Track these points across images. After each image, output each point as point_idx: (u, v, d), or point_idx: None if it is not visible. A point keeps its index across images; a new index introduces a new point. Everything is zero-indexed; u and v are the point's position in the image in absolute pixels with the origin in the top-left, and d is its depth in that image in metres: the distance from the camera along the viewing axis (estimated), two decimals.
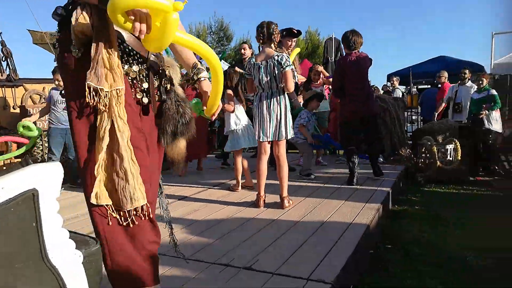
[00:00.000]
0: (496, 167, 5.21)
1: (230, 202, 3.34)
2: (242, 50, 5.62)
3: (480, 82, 6.56)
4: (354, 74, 3.85)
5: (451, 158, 4.93)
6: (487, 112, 6.27)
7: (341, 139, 4.40)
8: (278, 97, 3.05)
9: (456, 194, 4.20)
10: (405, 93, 9.39)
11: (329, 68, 10.56)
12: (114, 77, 1.13)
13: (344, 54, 4.10)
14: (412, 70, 10.84)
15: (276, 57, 3.00)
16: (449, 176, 4.80)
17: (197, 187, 4.01)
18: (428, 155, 5.00)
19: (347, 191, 3.55)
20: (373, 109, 4.07)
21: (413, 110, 7.17)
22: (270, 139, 3.08)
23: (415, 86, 12.69)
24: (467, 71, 7.60)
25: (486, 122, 6.32)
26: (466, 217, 3.18)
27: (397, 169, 4.81)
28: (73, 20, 1.11)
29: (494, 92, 6.51)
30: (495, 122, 6.44)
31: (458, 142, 4.95)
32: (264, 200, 3.15)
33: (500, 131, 6.84)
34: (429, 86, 12.60)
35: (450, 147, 4.94)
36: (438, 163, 4.89)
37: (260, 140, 3.11)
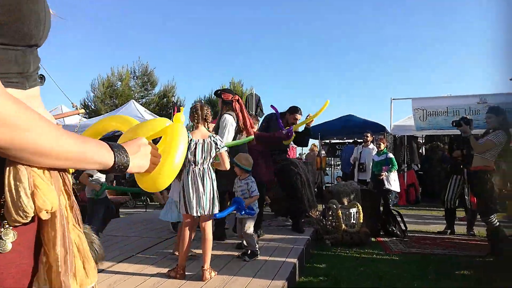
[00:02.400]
0: (394, 228, 5.71)
1: (151, 274, 3.25)
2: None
3: (378, 145, 7.33)
4: None
5: (354, 221, 5.33)
6: (386, 173, 6.99)
7: None
8: (210, 173, 3.26)
9: (356, 259, 4.49)
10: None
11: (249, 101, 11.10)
12: None
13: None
14: (322, 127, 11.75)
15: (212, 137, 3.26)
16: (353, 238, 5.15)
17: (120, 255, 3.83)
18: (334, 218, 5.35)
19: (256, 263, 3.61)
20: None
21: (323, 171, 7.68)
22: (198, 214, 3.20)
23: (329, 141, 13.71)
24: (369, 134, 8.44)
25: (386, 182, 7.02)
26: None
27: (306, 233, 5.04)
28: None
29: (391, 155, 7.29)
30: (393, 182, 7.20)
31: (360, 206, 5.39)
32: (184, 271, 3.17)
33: (398, 190, 7.64)
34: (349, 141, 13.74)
35: (353, 210, 5.35)
36: (343, 226, 5.24)
37: (189, 213, 3.18)
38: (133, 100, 14.46)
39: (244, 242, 3.94)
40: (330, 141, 13.87)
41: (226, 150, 3.37)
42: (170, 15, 41.28)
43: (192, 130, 3.46)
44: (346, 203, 5.61)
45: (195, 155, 3.21)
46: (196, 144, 3.22)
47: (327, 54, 43.15)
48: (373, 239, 5.55)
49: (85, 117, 16.04)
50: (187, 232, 3.25)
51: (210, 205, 3.23)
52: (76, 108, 8.62)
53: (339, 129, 11.97)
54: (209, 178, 3.25)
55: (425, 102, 10.23)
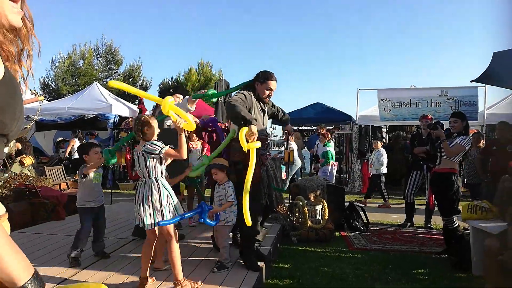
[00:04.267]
0: (357, 223, 5.92)
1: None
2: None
3: (322, 138, 7.71)
4: None
5: (320, 218, 5.47)
6: (319, 165, 7.45)
7: None
8: (157, 185, 3.06)
9: (321, 258, 4.63)
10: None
11: (219, 108, 10.90)
12: None
13: None
14: (292, 115, 11.84)
15: (143, 147, 3.06)
16: (319, 235, 5.29)
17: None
18: (301, 214, 5.47)
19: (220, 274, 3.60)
20: None
21: (289, 165, 7.79)
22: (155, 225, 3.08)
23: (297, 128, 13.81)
24: (322, 127, 8.62)
25: (321, 173, 7.51)
26: None
27: (273, 230, 5.12)
28: None
29: (328, 148, 7.69)
30: (329, 174, 7.63)
31: (325, 203, 5.53)
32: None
33: (333, 182, 7.96)
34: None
35: (318, 207, 5.48)
36: (309, 222, 5.37)
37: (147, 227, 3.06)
38: (97, 83, 13.91)
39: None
40: (298, 128, 14.01)
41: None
42: None
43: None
44: (312, 199, 5.73)
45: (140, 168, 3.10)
46: (138, 157, 3.11)
47: (301, 41, 43.17)
48: (337, 233, 5.73)
49: (47, 100, 15.26)
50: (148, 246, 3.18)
51: (152, 214, 3.03)
52: (35, 95, 8.20)
53: (307, 117, 12.11)
54: (156, 190, 3.04)
55: (390, 93, 10.50)
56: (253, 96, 3.66)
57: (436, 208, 5.33)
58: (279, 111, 4.24)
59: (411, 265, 4.33)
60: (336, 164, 8.25)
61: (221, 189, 3.66)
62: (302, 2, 41.74)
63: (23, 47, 0.99)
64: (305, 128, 14.49)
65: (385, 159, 8.69)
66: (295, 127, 14.11)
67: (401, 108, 10.36)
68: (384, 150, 9.13)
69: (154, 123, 3.15)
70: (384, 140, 12.16)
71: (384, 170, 8.68)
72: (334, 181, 7.96)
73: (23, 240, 4.42)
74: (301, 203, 5.46)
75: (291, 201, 5.89)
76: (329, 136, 8.02)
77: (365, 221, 6.06)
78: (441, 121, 5.38)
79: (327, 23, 43.48)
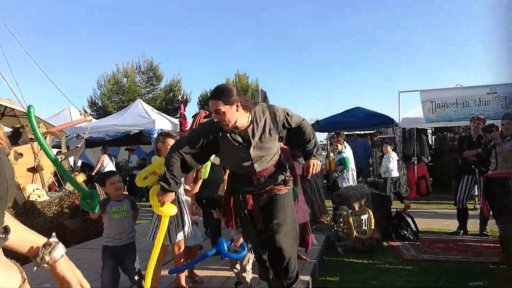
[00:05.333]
0: (405, 232, 5.71)
1: None
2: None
3: (335, 146, 7.64)
4: None
5: (365, 228, 5.33)
6: (338, 173, 7.32)
7: None
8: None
9: (369, 268, 4.50)
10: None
11: None
12: None
13: None
14: (328, 121, 11.69)
15: None
16: (365, 245, 5.16)
17: None
18: (345, 225, 5.36)
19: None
20: None
21: (333, 173, 7.66)
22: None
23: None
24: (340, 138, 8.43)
25: (339, 181, 7.39)
26: None
27: (318, 241, 5.05)
28: None
29: (344, 155, 7.58)
30: (347, 181, 7.46)
31: (371, 212, 5.38)
32: None
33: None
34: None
35: (364, 217, 5.35)
36: (355, 232, 5.25)
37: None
38: (140, 99, 14.50)
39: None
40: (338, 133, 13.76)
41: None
42: (172, 8, 41.01)
43: None
44: (357, 209, 5.61)
45: None
46: None
47: (334, 47, 42.77)
48: (385, 243, 5.55)
49: (94, 118, 16.10)
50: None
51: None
52: (84, 116, 8.69)
53: (346, 122, 11.89)
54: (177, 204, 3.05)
55: (434, 94, 10.10)
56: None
57: (491, 213, 5.04)
58: (301, 134, 2.78)
59: (467, 277, 4.10)
60: (354, 169, 8.23)
61: None
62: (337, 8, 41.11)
63: None
64: (346, 132, 14.20)
65: (392, 164, 8.57)
66: (333, 133, 13.90)
67: (446, 109, 9.92)
68: (394, 154, 8.93)
69: (169, 141, 3.20)
70: (429, 142, 11.68)
71: (394, 174, 8.58)
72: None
73: (78, 256, 4.65)
74: (345, 213, 5.35)
75: (334, 211, 5.79)
76: (342, 142, 8.01)
77: (414, 229, 5.83)
78: (493, 121, 5.10)
79: (366, 24, 42.66)
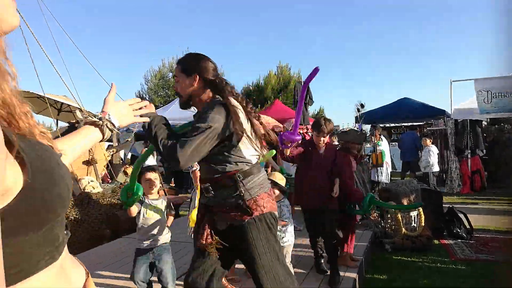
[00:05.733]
0: (458, 230, 5.43)
1: None
2: None
3: (371, 139, 7.45)
4: (318, 163, 3.68)
5: (415, 225, 5.13)
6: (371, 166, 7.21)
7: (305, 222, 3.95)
8: None
9: (420, 267, 4.34)
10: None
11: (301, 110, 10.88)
12: None
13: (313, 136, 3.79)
14: (375, 113, 11.31)
15: None
16: (415, 243, 4.97)
17: None
18: (393, 221, 5.19)
19: (316, 277, 3.62)
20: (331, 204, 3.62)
21: (379, 168, 7.42)
22: None
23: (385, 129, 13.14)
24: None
25: (373, 174, 7.24)
26: None
27: (364, 238, 4.94)
28: None
29: (380, 148, 7.50)
30: (380, 175, 7.19)
31: (421, 208, 5.17)
32: None
33: (387, 181, 7.51)
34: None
35: (413, 213, 5.15)
36: (404, 229, 5.08)
37: None
38: None
39: None
40: (385, 125, 13.34)
41: None
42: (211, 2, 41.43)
43: None
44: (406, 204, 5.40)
45: None
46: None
47: (378, 36, 41.30)
48: (436, 241, 5.32)
49: None
50: None
51: None
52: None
53: (394, 114, 11.48)
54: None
55: (489, 82, 9.45)
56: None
57: None
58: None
59: None
60: (389, 163, 8.12)
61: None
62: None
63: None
64: (393, 125, 13.71)
65: (433, 158, 8.19)
66: (381, 125, 13.45)
67: (503, 99, 9.27)
68: (434, 147, 8.52)
69: None
70: (484, 135, 10.99)
71: (435, 168, 8.21)
72: (389, 180, 7.87)
73: (128, 246, 4.86)
74: (393, 209, 5.18)
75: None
76: (378, 135, 7.77)
77: (468, 227, 5.54)
78: None
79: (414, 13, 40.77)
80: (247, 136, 1.95)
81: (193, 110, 2.12)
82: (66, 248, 0.78)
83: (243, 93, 24.36)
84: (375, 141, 7.64)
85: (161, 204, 2.98)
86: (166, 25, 41.71)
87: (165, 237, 2.96)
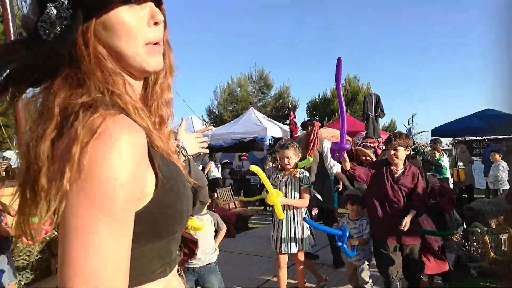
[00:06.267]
0: None
1: None
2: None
3: (433, 154, 7.06)
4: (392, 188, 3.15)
5: (505, 249, 4.65)
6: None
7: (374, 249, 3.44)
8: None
9: None
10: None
11: (370, 123, 10.52)
12: None
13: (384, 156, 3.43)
14: (454, 126, 10.51)
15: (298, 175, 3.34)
16: (505, 268, 4.50)
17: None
18: (480, 244, 4.75)
19: None
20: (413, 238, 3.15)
21: (461, 185, 6.86)
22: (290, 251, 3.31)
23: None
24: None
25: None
26: None
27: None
28: None
29: (441, 163, 6.98)
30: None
31: None
32: None
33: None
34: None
35: (503, 236, 4.67)
36: (492, 254, 4.62)
37: (279, 251, 3.34)
38: (253, 108, 15.15)
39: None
40: (465, 139, 12.35)
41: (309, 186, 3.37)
42: (280, 17, 42.11)
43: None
44: (493, 226, 4.94)
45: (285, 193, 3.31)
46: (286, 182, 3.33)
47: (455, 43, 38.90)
48: None
49: (214, 126, 17.53)
50: (280, 272, 3.38)
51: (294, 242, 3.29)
52: (206, 125, 9.49)
53: (476, 126, 10.59)
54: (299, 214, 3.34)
55: None
56: None
57: None
58: None
59: None
60: (451, 180, 7.56)
61: (358, 226, 3.44)
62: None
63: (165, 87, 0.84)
64: (474, 138, 12.64)
65: (503, 174, 7.39)
66: (460, 138, 12.47)
67: None
68: (504, 162, 7.70)
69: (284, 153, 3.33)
70: None
71: (505, 185, 7.35)
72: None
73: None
74: (479, 230, 4.75)
75: (465, 227, 5.18)
76: (440, 150, 7.25)
77: None
78: None
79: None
80: None
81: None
82: (176, 267, 0.83)
83: (310, 106, 24.33)
84: (437, 157, 7.11)
85: (207, 220, 2.88)
86: (236, 42, 43.21)
87: (209, 257, 2.77)
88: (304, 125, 5.06)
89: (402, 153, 3.16)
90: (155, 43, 0.73)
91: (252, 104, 23.13)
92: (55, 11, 0.63)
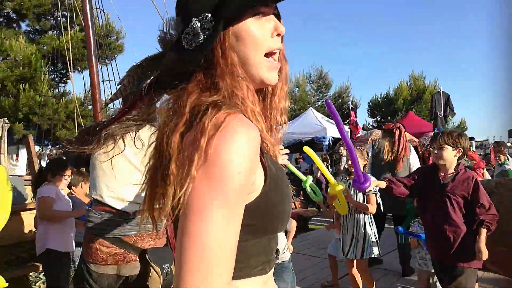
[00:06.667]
0: None
1: None
2: None
3: (498, 157, 6.51)
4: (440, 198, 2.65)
5: None
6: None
7: None
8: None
9: None
10: None
11: (439, 123, 9.92)
12: None
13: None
14: None
15: None
16: None
17: None
18: None
19: None
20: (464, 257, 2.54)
21: None
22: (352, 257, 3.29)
23: None
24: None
25: None
26: None
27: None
28: None
29: (506, 166, 6.38)
30: None
31: None
32: None
33: None
34: None
35: None
36: None
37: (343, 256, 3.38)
38: (312, 108, 14.97)
39: None
40: None
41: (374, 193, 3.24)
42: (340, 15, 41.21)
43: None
44: None
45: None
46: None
47: None
48: None
49: None
50: (352, 276, 3.37)
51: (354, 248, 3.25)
52: None
53: None
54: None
55: None
56: None
57: None
58: None
59: None
60: None
61: None
62: None
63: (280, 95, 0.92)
64: None
65: None
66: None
67: None
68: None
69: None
70: None
71: None
72: None
73: None
74: None
75: None
76: (504, 153, 6.54)
77: None
78: None
79: None
80: None
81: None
82: (273, 269, 0.86)
83: (371, 106, 23.50)
84: (502, 160, 6.36)
85: None
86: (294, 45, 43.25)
87: (283, 255, 2.75)
88: (385, 129, 4.60)
89: (450, 153, 2.64)
90: (273, 54, 0.82)
91: (310, 104, 22.89)
92: (199, 24, 0.74)
